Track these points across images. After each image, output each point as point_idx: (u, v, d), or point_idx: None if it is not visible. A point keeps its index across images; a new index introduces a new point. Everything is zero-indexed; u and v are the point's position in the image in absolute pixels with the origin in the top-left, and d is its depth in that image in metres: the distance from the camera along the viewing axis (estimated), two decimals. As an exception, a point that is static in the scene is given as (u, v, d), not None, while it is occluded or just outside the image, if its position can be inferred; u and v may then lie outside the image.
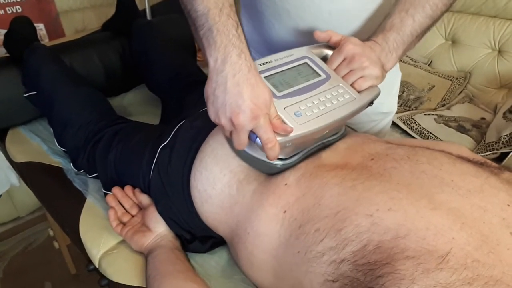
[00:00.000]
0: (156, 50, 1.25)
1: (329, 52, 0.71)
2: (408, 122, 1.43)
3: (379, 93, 0.68)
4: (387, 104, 0.99)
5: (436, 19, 0.73)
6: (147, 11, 1.86)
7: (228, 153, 0.69)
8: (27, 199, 1.84)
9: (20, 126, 1.22)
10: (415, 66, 1.67)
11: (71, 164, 1.00)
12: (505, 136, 1.19)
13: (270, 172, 0.65)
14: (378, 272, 0.45)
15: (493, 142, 1.22)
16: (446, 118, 1.42)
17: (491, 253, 0.45)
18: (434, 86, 1.60)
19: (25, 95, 1.16)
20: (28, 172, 1.06)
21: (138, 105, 1.34)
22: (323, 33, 0.69)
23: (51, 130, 1.09)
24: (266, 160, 0.62)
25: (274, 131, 0.56)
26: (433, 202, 0.51)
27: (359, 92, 0.66)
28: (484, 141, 1.27)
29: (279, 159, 0.63)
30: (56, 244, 1.51)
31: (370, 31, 0.74)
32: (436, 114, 1.45)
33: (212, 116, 0.57)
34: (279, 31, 0.85)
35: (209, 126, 0.74)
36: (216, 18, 0.55)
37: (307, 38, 0.77)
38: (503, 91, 1.50)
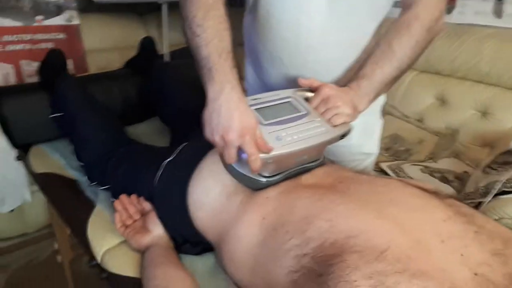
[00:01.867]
0: (170, 87, 1.41)
1: (310, 95, 0.84)
2: (396, 170, 1.53)
3: (350, 129, 0.81)
4: (368, 146, 1.12)
5: (404, 70, 0.86)
6: (166, 55, 2.05)
7: (221, 169, 0.81)
8: (37, 217, 1.93)
9: (43, 143, 1.37)
10: (407, 122, 1.81)
11: (86, 177, 1.13)
12: (482, 188, 1.29)
13: (255, 187, 0.76)
14: (330, 262, 0.55)
15: (471, 192, 1.31)
16: (431, 169, 1.52)
17: (422, 253, 0.55)
18: (423, 140, 1.71)
19: (51, 115, 1.31)
20: (46, 181, 1.19)
21: (150, 134, 1.47)
22: (306, 80, 0.84)
23: (71, 147, 1.23)
24: (253, 176, 0.75)
25: (258, 149, 0.68)
26: (381, 214, 0.62)
27: (333, 127, 0.78)
28: (464, 191, 1.36)
29: (263, 176, 0.75)
30: (59, 258, 1.59)
31: (348, 79, 0.87)
32: (422, 165, 1.56)
33: (207, 134, 0.70)
34: (273, 77, 1.00)
35: (208, 147, 0.87)
36: (216, 60, 0.70)
37: (296, 83, 0.91)
38: (486, 149, 1.60)
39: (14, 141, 1.33)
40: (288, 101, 0.81)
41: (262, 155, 0.68)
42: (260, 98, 0.79)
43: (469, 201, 1.30)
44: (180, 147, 0.95)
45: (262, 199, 0.73)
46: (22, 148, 1.38)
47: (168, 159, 0.92)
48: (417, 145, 1.71)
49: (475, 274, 0.53)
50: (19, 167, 1.58)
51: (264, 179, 0.75)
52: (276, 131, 0.73)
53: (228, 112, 0.67)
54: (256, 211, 0.72)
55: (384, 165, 1.59)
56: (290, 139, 0.72)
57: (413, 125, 1.79)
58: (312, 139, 0.74)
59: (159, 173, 0.91)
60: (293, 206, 0.68)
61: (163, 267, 0.75)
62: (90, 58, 2.33)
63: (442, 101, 1.79)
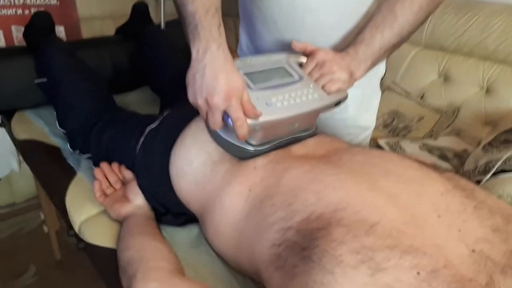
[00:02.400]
0: (162, 55, 1.35)
1: (305, 60, 0.79)
2: (393, 146, 1.49)
3: (346, 96, 0.75)
4: (365, 119, 1.06)
5: (404, 38, 0.81)
6: (162, 24, 1.97)
7: (206, 137, 0.76)
8: (25, 187, 1.91)
9: (27, 110, 1.32)
10: (407, 98, 1.75)
11: (68, 145, 1.08)
12: (481, 165, 1.24)
13: (242, 156, 0.71)
14: (315, 235, 0.51)
15: (470, 170, 1.27)
16: (430, 146, 1.48)
17: (416, 228, 0.51)
18: (423, 117, 1.66)
19: (36, 81, 1.25)
20: (28, 148, 1.14)
21: (139, 103, 1.42)
22: (300, 43, 0.78)
23: (55, 114, 1.18)
24: (239, 144, 0.70)
25: (245, 114, 0.63)
26: (374, 185, 0.57)
27: (328, 93, 0.73)
28: (463, 169, 1.32)
29: (251, 145, 0.70)
30: (45, 228, 1.57)
31: (346, 45, 0.82)
32: (421, 142, 1.51)
33: (190, 98, 0.65)
34: (267, 41, 0.94)
35: (193, 114, 0.82)
36: (202, 18, 0.64)
37: (291, 49, 0.86)
38: (488, 128, 1.55)
39: (-4, 107, 1.27)
40: (280, 66, 0.75)
41: (249, 120, 0.63)
42: (250, 61, 0.74)
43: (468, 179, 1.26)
44: (164, 114, 0.89)
45: (249, 169, 0.68)
46: (6, 114, 1.32)
47: (151, 126, 0.87)
48: (417, 122, 1.66)
49: (473, 250, 0.50)
50: (5, 134, 1.53)
51: (252, 148, 0.70)
52: (265, 97, 0.67)
53: (213, 73, 0.61)
54: (242, 182, 0.67)
55: (381, 141, 1.54)
56: (280, 105, 0.67)
57: (414, 101, 1.73)
58: (304, 106, 0.69)
59: (141, 140, 0.86)
60: (280, 177, 0.63)
61: (139, 238, 0.71)
62: (84, 26, 2.25)
63: (445, 77, 1.73)
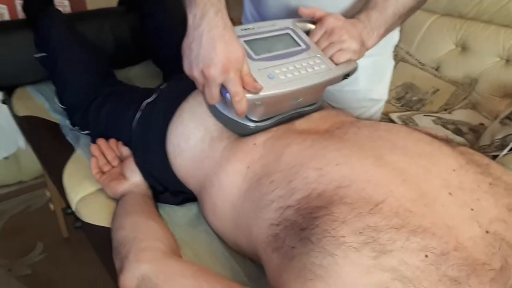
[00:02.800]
0: (165, 27, 1.30)
1: (313, 27, 0.73)
2: (406, 121, 1.43)
3: (356, 67, 0.70)
4: (378, 91, 1.01)
5: (421, 1, 0.75)
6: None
7: (205, 112, 0.72)
8: (32, 165, 1.91)
9: (28, 85, 1.28)
10: (422, 69, 1.67)
11: (68, 121, 1.05)
12: (498, 140, 1.19)
13: (242, 133, 0.67)
14: (315, 214, 0.47)
15: (485, 145, 1.21)
16: (445, 121, 1.42)
17: (425, 206, 0.47)
18: (438, 90, 1.59)
19: (35, 55, 1.22)
20: (28, 125, 1.12)
21: (142, 78, 1.39)
22: (308, 9, 0.72)
23: (55, 89, 1.15)
24: (239, 120, 0.65)
25: (244, 88, 0.58)
26: (381, 161, 0.53)
27: (336, 64, 0.68)
28: (478, 144, 1.26)
29: (252, 120, 0.66)
30: (51, 206, 1.57)
31: (357, 10, 0.76)
32: (435, 116, 1.45)
33: (186, 68, 0.60)
34: (272, 8, 0.89)
35: (191, 87, 0.77)
36: None
37: (297, 16, 0.80)
38: (507, 100, 1.48)
39: (-4, 83, 1.25)
40: (285, 33, 0.70)
41: (249, 95, 0.58)
42: (252, 28, 0.68)
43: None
44: (162, 87, 0.85)
45: (249, 146, 0.65)
46: (8, 91, 1.29)
47: (148, 100, 0.83)
48: (432, 94, 1.59)
49: (487, 232, 0.46)
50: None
51: (252, 124, 0.66)
52: (268, 68, 0.62)
53: (210, 41, 0.56)
54: (241, 159, 0.64)
55: (394, 116, 1.49)
56: (284, 77, 0.62)
57: (428, 73, 1.66)
58: (310, 78, 0.64)
59: (138, 115, 0.82)
60: (280, 154, 0.59)
61: (134, 217, 0.68)
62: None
63: (463, 47, 1.65)
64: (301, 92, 0.64)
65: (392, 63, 1.02)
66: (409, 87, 1.63)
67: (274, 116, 0.67)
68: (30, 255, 1.60)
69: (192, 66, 0.58)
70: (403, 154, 0.55)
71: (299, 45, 0.68)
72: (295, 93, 0.63)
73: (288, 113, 0.69)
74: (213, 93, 0.59)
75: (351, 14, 0.76)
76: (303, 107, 0.70)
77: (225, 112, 0.67)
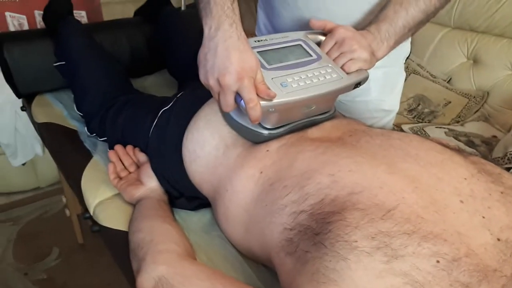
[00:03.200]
0: (180, 37, 1.33)
1: (323, 38, 0.75)
2: (418, 132, 1.44)
3: (367, 76, 0.71)
4: (389, 102, 1.02)
5: (430, 15, 0.76)
6: (183, 7, 1.95)
7: (220, 120, 0.74)
8: (49, 171, 1.95)
9: (47, 93, 1.32)
10: (433, 82, 1.68)
11: (85, 128, 1.08)
12: (511, 152, 1.19)
13: (256, 140, 0.68)
14: (328, 219, 0.48)
15: (499, 157, 1.21)
16: (457, 133, 1.42)
17: (436, 213, 0.48)
18: (450, 102, 1.60)
19: (54, 64, 1.26)
20: (47, 131, 1.15)
21: (158, 87, 1.41)
22: (319, 21, 0.74)
23: (73, 97, 1.18)
24: (253, 128, 0.67)
25: (258, 95, 0.60)
26: (393, 168, 0.54)
27: (347, 73, 0.69)
28: (491, 156, 1.26)
29: (265, 128, 0.67)
30: (67, 212, 1.60)
31: (368, 23, 0.78)
32: (447, 128, 1.45)
33: (202, 78, 0.62)
34: (286, 19, 0.91)
35: (207, 96, 0.80)
36: None
37: (309, 28, 0.82)
38: (520, 113, 1.49)
39: (17, 91, 1.28)
40: (297, 44, 0.72)
41: (263, 102, 0.60)
42: (265, 40, 0.70)
43: (497, 167, 1.20)
44: (178, 95, 0.87)
45: (262, 153, 0.66)
46: (27, 98, 1.33)
47: (164, 108, 0.85)
48: (443, 107, 1.59)
49: (498, 239, 0.47)
50: (28, 119, 1.55)
51: (266, 131, 0.67)
52: (281, 77, 0.64)
53: (226, 51, 0.58)
54: (254, 165, 0.65)
55: (406, 127, 1.50)
56: (296, 85, 0.63)
57: (440, 85, 1.67)
58: (322, 87, 0.65)
59: (155, 122, 0.85)
60: (294, 160, 0.61)
61: (150, 220, 0.70)
62: (106, 10, 2.27)
63: (474, 60, 1.66)
64: (313, 100, 0.65)
65: (403, 74, 1.03)
66: (421, 99, 1.64)
67: (287, 124, 0.69)
68: (46, 260, 1.63)
69: (208, 75, 0.60)
70: (415, 163, 0.55)
71: (311, 56, 0.70)
72: (307, 101, 0.65)
73: (301, 121, 0.70)
74: (228, 100, 0.60)
75: (362, 26, 0.78)
76: (316, 115, 0.71)
77: (239, 120, 0.68)
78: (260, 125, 0.67)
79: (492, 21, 1.59)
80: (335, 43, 0.71)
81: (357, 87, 0.71)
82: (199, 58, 0.62)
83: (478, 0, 1.62)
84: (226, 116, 0.71)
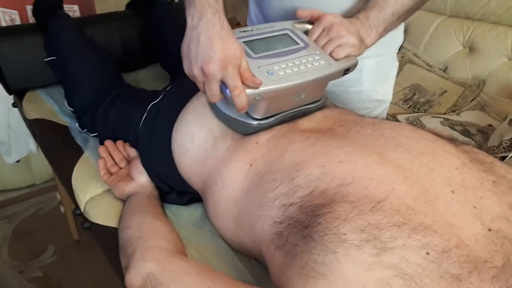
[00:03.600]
0: (172, 29, 1.31)
1: (311, 27, 0.73)
2: (413, 122, 1.43)
3: (356, 63, 0.70)
4: (382, 92, 1.01)
5: (420, 2, 0.75)
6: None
7: (208, 113, 0.73)
8: (43, 168, 1.94)
9: (38, 89, 1.31)
10: (429, 71, 1.67)
11: (77, 124, 1.07)
12: (506, 141, 1.18)
13: (245, 131, 0.68)
14: (318, 212, 0.48)
15: (494, 146, 1.21)
16: (453, 122, 1.41)
17: (427, 204, 0.47)
18: (446, 91, 1.59)
19: (45, 59, 1.24)
20: (38, 127, 1.14)
21: (151, 80, 1.40)
22: (306, 11, 0.73)
23: (64, 92, 1.17)
24: (241, 119, 0.66)
25: (244, 83, 0.58)
26: (383, 158, 0.53)
27: (336, 60, 0.68)
28: (486, 145, 1.26)
29: (254, 118, 0.66)
30: (62, 209, 1.59)
31: (357, 10, 0.77)
32: (443, 117, 1.45)
33: (186, 68, 0.61)
34: (277, 10, 0.89)
35: (195, 89, 0.78)
36: None
37: (297, 18, 0.80)
38: (516, 101, 1.48)
39: (7, 87, 1.27)
40: (284, 33, 0.70)
41: (248, 90, 0.59)
42: (251, 30, 0.69)
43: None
44: (167, 89, 0.86)
45: (252, 145, 0.65)
46: (18, 94, 1.32)
47: (153, 102, 0.84)
48: (439, 96, 1.59)
49: (489, 229, 0.46)
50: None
51: (255, 122, 0.66)
52: (267, 65, 0.63)
53: (209, 40, 0.57)
54: (244, 157, 0.64)
55: (401, 117, 1.49)
56: (283, 73, 0.62)
57: (436, 74, 1.66)
58: (310, 73, 0.64)
59: (144, 117, 0.84)
60: (283, 151, 0.60)
61: (140, 216, 0.69)
62: (99, 4, 2.24)
63: (470, 48, 1.65)
64: (301, 87, 0.64)
65: (396, 64, 1.02)
66: (417, 89, 1.63)
67: (277, 114, 0.67)
68: (41, 257, 1.62)
69: (192, 65, 0.59)
70: (406, 152, 0.55)
71: (298, 44, 0.69)
72: (295, 88, 0.63)
73: (291, 111, 0.69)
74: (214, 90, 0.59)
75: (351, 15, 0.77)
76: (306, 105, 0.70)
77: (227, 112, 0.67)
78: (248, 115, 0.66)
79: (488, 8, 1.58)
80: (323, 30, 0.70)
81: (346, 73, 0.70)
82: (183, 49, 0.61)
83: (474, -13, 1.60)
84: (215, 109, 0.70)
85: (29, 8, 2.09)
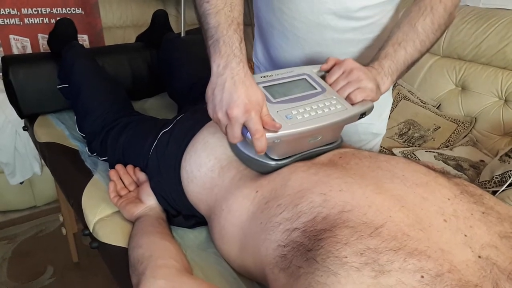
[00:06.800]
0: (180, 61, 1.37)
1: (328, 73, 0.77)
2: (408, 156, 1.48)
3: (372, 107, 0.73)
4: (377, 126, 1.07)
5: (423, 54, 0.81)
6: (182, 33, 2.01)
7: (216, 142, 0.77)
8: (46, 190, 1.96)
9: (50, 114, 1.36)
10: (423, 107, 1.74)
11: (86, 148, 1.11)
12: (497, 176, 1.23)
13: (264, 171, 0.70)
14: (320, 236, 0.51)
15: (486, 181, 1.26)
16: (446, 157, 1.46)
17: (421, 231, 0.51)
18: (439, 127, 1.65)
19: (58, 86, 1.30)
20: (48, 150, 1.18)
21: (158, 109, 1.46)
22: (328, 64, 0.77)
23: (75, 118, 1.22)
24: (260, 159, 0.69)
25: (264, 127, 0.63)
26: (380, 188, 0.57)
27: (352, 105, 0.71)
28: (478, 180, 1.30)
29: (272, 159, 0.69)
30: (63, 231, 1.61)
31: (367, 58, 0.82)
32: (436, 152, 1.50)
33: (210, 112, 0.65)
34: (285, 53, 0.95)
35: (205, 119, 0.83)
36: (224, 32, 0.65)
37: (310, 61, 0.85)
38: (506, 139, 1.53)
39: (20, 112, 1.32)
40: (302, 78, 0.74)
41: (268, 134, 0.62)
42: (270, 76, 0.73)
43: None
44: (178, 118, 0.91)
45: (256, 174, 0.69)
46: (29, 118, 1.37)
47: (164, 130, 0.89)
48: (433, 132, 1.65)
49: (479, 256, 0.49)
50: (29, 139, 1.58)
51: (273, 162, 0.68)
52: (286, 109, 0.66)
53: (233, 87, 0.62)
54: (250, 185, 0.68)
55: (396, 151, 1.54)
56: (301, 117, 0.66)
57: (430, 111, 1.72)
58: (327, 118, 0.67)
59: (155, 143, 0.88)
60: (287, 179, 0.64)
61: (149, 236, 0.72)
62: (107, 35, 2.33)
63: (463, 87, 1.72)
64: (317, 131, 0.67)
65: (391, 100, 1.09)
66: (411, 124, 1.69)
67: (294, 155, 0.70)
68: (40, 278, 1.63)
69: (217, 109, 0.63)
70: (401, 183, 0.59)
71: (316, 88, 0.72)
72: (312, 132, 0.66)
73: (307, 152, 0.71)
74: (236, 132, 0.63)
75: (361, 60, 0.80)
76: (323, 146, 0.73)
77: (247, 152, 0.70)
78: (267, 156, 0.69)
79: (479, 50, 1.66)
80: (343, 72, 0.74)
81: (362, 117, 0.72)
82: (207, 94, 0.65)
83: (466, 30, 1.69)
84: (234, 148, 0.73)
85: (40, 36, 2.17)
